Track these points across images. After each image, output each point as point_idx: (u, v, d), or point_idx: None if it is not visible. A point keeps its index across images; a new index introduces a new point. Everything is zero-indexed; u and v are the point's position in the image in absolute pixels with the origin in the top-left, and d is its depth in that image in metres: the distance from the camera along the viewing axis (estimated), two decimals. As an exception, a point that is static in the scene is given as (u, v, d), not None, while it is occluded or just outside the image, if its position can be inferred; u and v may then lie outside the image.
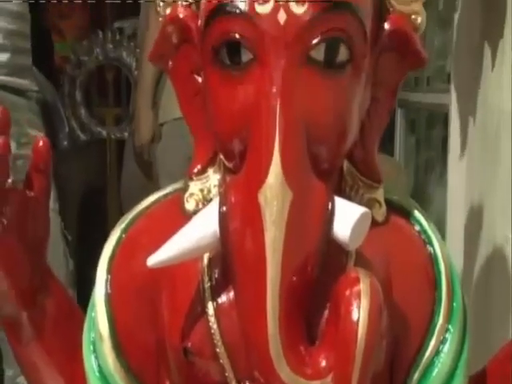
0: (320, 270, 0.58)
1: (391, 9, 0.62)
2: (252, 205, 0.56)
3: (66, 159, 2.05)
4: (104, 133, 2.38)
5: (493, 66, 1.04)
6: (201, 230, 0.59)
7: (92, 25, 2.63)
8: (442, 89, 1.58)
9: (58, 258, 1.32)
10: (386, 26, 0.62)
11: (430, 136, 2.19)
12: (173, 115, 1.75)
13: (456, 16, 1.16)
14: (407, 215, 0.67)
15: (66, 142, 1.98)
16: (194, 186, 0.66)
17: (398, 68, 0.63)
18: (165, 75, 1.69)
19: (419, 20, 0.63)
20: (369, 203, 0.64)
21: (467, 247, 1.18)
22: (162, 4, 0.66)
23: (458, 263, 1.18)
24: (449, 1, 1.13)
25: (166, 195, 0.71)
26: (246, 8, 0.57)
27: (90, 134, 2.37)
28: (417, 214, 0.67)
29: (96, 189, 2.42)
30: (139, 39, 2.39)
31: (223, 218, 0.58)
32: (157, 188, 2.04)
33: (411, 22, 0.62)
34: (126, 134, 2.37)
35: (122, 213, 2.22)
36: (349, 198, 0.63)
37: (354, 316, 0.55)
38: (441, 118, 1.93)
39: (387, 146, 2.12)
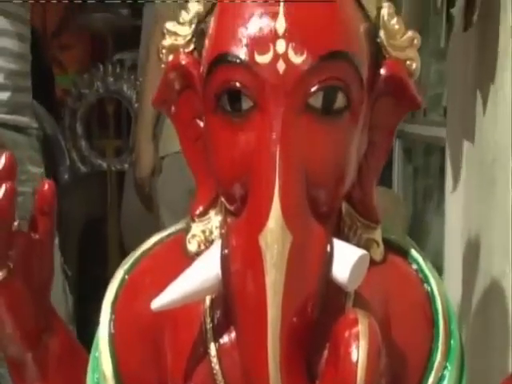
0: (319, 311, 0.59)
1: (387, 55, 0.64)
2: (253, 248, 0.58)
3: (66, 191, 2.06)
4: (104, 165, 2.40)
5: (487, 101, 1.06)
6: (203, 273, 0.60)
7: (93, 57, 2.67)
8: (438, 121, 1.60)
9: (57, 294, 1.33)
10: (382, 71, 0.64)
11: (428, 164, 2.21)
12: (173, 148, 1.78)
13: (450, 52, 1.19)
14: (405, 254, 0.68)
15: (66, 175, 2.00)
16: (196, 228, 0.68)
17: (394, 112, 0.65)
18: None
19: (414, 66, 0.65)
20: (367, 243, 0.65)
21: (465, 278, 1.19)
22: (164, 51, 0.68)
23: (456, 294, 1.19)
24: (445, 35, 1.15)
25: (168, 235, 0.72)
26: (247, 58, 0.59)
27: (90, 166, 2.39)
28: (414, 253, 0.68)
29: (96, 220, 2.43)
30: (139, 71, 2.42)
31: (225, 261, 0.59)
32: (157, 220, 2.06)
33: (406, 68, 0.64)
34: (126, 166, 2.39)
35: (122, 244, 2.23)
36: (347, 238, 0.65)
37: (353, 357, 0.56)
38: (438, 147, 1.95)
39: (385, 173, 2.13)
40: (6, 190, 0.64)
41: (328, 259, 0.59)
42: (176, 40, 0.67)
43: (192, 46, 0.66)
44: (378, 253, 0.66)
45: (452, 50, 1.24)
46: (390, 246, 0.67)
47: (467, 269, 1.16)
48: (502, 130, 1.00)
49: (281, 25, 0.58)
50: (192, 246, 0.67)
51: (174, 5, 1.94)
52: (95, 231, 2.42)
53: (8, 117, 1.34)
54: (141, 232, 2.18)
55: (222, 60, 0.60)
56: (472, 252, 1.13)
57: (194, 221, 0.68)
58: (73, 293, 1.55)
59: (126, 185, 2.38)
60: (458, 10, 1.04)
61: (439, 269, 1.37)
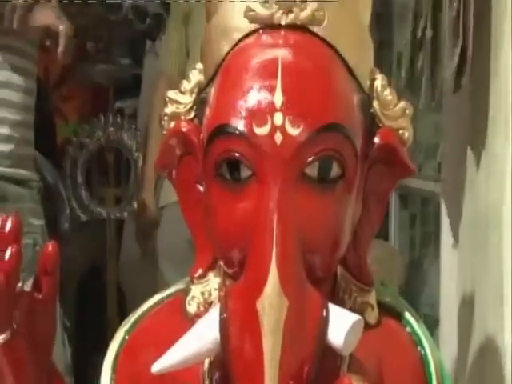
0: (315, 374, 0.61)
1: (380, 124, 0.67)
2: (251, 313, 0.59)
3: (65, 240, 2.08)
4: (104, 213, 2.42)
5: (480, 160, 1.08)
6: (202, 336, 0.62)
7: (93, 107, 2.70)
8: (432, 176, 1.63)
9: (56, 346, 1.33)
10: (376, 140, 0.66)
11: (424, 211, 2.22)
12: (173, 198, 1.79)
13: (444, 111, 1.22)
14: (398, 317, 0.70)
15: (67, 224, 2.01)
16: (196, 290, 0.70)
17: (388, 179, 0.68)
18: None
19: (406, 135, 0.67)
20: (361, 307, 0.67)
21: (461, 333, 1.20)
22: (166, 118, 0.71)
23: (452, 349, 1.20)
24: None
25: (167, 296, 0.74)
26: (245, 129, 0.61)
27: (90, 214, 2.41)
28: (408, 315, 0.70)
29: (94, 268, 2.44)
30: (139, 120, 2.46)
31: (223, 325, 0.61)
32: (155, 269, 2.06)
33: (399, 137, 0.67)
34: (125, 214, 2.41)
35: (120, 292, 2.22)
36: (342, 301, 0.67)
37: (348, 420, 0.57)
38: (433, 198, 1.97)
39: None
40: (11, 253, 0.66)
41: (324, 324, 0.60)
42: (177, 108, 0.69)
43: (193, 114, 0.69)
44: (373, 316, 0.68)
45: (445, 110, 1.27)
46: (384, 309, 0.69)
47: (463, 323, 1.17)
48: (493, 189, 1.03)
49: (278, 98, 0.61)
50: (191, 308, 0.69)
51: (175, 59, 1.99)
52: (93, 279, 2.42)
53: (11, 170, 1.36)
54: (139, 280, 2.18)
55: (222, 131, 0.62)
56: (467, 307, 1.14)
57: (193, 283, 0.70)
58: (70, 342, 1.55)
59: (125, 233, 2.39)
60: (449, 73, 1.07)
61: (435, 320, 1.38)
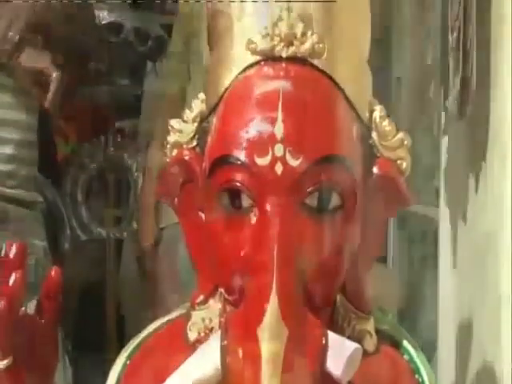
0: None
1: (378, 154, 0.68)
2: (251, 341, 0.60)
3: (65, 260, 2.09)
4: (104, 233, 2.43)
5: (478, 187, 1.09)
6: (203, 364, 0.63)
7: (94, 126, 2.71)
8: (430, 202, 1.63)
9: (57, 370, 1.34)
10: (375, 170, 0.68)
11: (423, 233, 2.22)
12: (174, 219, 1.80)
13: (443, 141, 1.24)
14: (396, 345, 0.71)
15: (67, 244, 2.02)
16: (196, 316, 0.71)
17: (386, 208, 0.69)
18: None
19: (404, 165, 0.69)
20: (360, 334, 0.68)
21: (458, 360, 1.21)
22: (168, 146, 0.72)
23: (450, 374, 1.21)
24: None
25: (168, 321, 0.75)
26: (247, 160, 0.63)
27: (90, 234, 2.42)
28: (406, 343, 0.71)
29: (94, 288, 2.45)
30: (139, 141, 2.47)
31: (224, 353, 0.62)
32: (154, 289, 2.06)
33: (397, 167, 0.68)
34: (125, 234, 2.42)
35: (119, 313, 2.21)
36: (341, 328, 0.68)
37: None
38: (432, 220, 1.97)
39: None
40: (15, 279, 0.67)
41: (323, 353, 0.61)
42: (180, 137, 0.71)
43: (195, 143, 0.71)
44: (371, 344, 0.68)
45: (445, 136, 1.28)
46: (383, 336, 0.70)
47: (461, 348, 1.18)
48: (491, 213, 1.04)
49: (279, 130, 0.62)
50: (192, 334, 0.70)
51: (176, 80, 2.01)
52: (93, 298, 2.43)
53: (14, 191, 1.36)
54: (138, 300, 2.18)
55: (224, 161, 0.64)
56: (465, 332, 1.15)
57: (194, 309, 0.71)
58: (70, 363, 1.55)
59: (124, 254, 2.40)
60: (452, 101, 1.08)
61: (433, 344, 1.39)
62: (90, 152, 2.49)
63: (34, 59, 1.28)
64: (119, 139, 2.54)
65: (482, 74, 1.05)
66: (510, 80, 0.99)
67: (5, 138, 1.33)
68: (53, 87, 1.26)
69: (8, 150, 1.33)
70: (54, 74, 1.27)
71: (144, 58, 2.54)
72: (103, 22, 2.38)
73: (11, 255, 0.68)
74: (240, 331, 0.62)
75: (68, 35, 1.38)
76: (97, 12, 2.38)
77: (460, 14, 1.02)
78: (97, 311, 2.35)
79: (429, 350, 1.15)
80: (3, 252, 0.70)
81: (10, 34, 1.23)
